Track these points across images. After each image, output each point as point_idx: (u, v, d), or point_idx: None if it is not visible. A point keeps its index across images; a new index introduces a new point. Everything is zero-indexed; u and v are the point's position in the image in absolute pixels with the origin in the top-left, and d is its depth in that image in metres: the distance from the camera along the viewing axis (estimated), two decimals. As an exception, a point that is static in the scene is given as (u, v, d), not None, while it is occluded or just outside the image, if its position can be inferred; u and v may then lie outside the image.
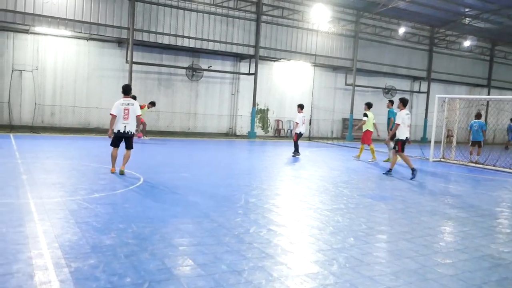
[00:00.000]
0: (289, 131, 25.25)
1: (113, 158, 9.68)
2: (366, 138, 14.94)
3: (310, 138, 24.39)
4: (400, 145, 11.61)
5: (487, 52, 32.44)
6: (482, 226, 6.85)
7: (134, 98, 18.38)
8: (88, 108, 20.45)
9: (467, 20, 26.79)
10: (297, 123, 15.59)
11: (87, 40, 20.43)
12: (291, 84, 25.22)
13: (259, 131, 24.37)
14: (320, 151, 17.54)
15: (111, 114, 9.54)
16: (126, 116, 9.47)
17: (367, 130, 14.87)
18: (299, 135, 15.56)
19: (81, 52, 20.49)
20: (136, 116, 9.65)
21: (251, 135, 22.68)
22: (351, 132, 25.64)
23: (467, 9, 24.76)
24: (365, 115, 14.90)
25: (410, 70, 28.67)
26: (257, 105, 23.84)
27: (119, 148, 9.77)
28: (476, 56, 31.94)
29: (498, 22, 26.60)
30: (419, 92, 29.86)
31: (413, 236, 6.04)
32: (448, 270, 4.80)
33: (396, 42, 27.73)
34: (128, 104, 9.57)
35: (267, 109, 24.81)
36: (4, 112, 19.12)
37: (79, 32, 19.33)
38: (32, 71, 19.48)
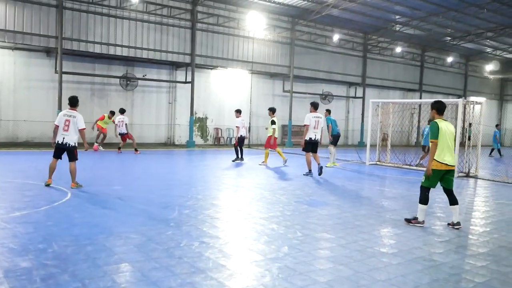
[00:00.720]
0: (228, 139, 25.08)
1: (51, 169, 9.53)
2: (269, 143, 15.22)
3: (249, 145, 24.34)
4: (305, 145, 12.66)
5: (417, 57, 33.91)
6: (415, 228, 6.96)
7: (113, 113, 18.51)
8: (16, 121, 19.31)
9: (397, 27, 27.87)
10: (237, 127, 15.92)
11: (12, 50, 19.31)
12: (229, 92, 25.10)
13: (198, 139, 24.03)
14: (260, 158, 17.45)
15: (55, 124, 9.48)
16: (66, 128, 9.30)
17: (270, 136, 15.15)
18: (240, 139, 15.89)
19: (6, 62, 19.32)
20: (79, 129, 9.43)
21: (189, 144, 22.30)
22: (290, 138, 25.86)
23: (397, 16, 25.75)
24: (273, 122, 15.18)
25: (345, 76, 29.41)
26: (195, 113, 23.51)
27: (62, 161, 9.59)
28: (408, 61, 33.30)
29: (426, 29, 27.89)
30: (355, 97, 30.67)
31: (348, 242, 6.02)
32: (381, 275, 4.78)
33: (332, 49, 28.36)
34: (70, 116, 9.39)
35: (206, 118, 24.53)
36: None
37: (3, 41, 18.22)
38: (-50, 83, 18.13)
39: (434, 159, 6.89)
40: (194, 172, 13.44)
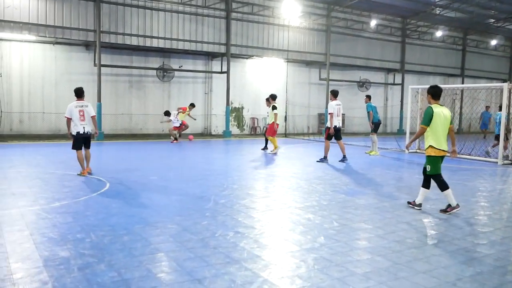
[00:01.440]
0: (265, 128, 24.96)
1: (81, 161, 9.86)
2: (272, 131, 15.00)
3: (286, 134, 24.20)
4: (327, 133, 12.92)
5: (459, 41, 32.69)
6: (458, 218, 6.70)
7: (168, 113, 19.35)
8: (58, 114, 19.85)
9: (437, 10, 26.90)
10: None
11: (53, 44, 19.82)
12: (265, 81, 24.97)
13: (234, 129, 24.07)
14: (296, 147, 17.34)
15: (66, 117, 9.84)
16: (82, 118, 9.74)
17: (273, 122, 14.96)
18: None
19: (47, 57, 19.87)
20: (92, 116, 9.93)
21: (226, 134, 22.37)
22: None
23: (437, -1, 24.90)
24: (275, 107, 15.02)
25: (383, 62, 28.70)
26: (231, 103, 23.54)
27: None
28: (449, 46, 32.16)
29: (468, 11, 26.78)
30: (393, 84, 29.92)
31: (386, 232, 5.85)
32: (421, 267, 4.60)
33: (369, 35, 27.71)
34: (82, 106, 9.83)
35: (242, 107, 24.51)
36: (-32, 122, 18.45)
37: (44, 36, 18.72)
38: (-4, 78, 18.83)
39: (433, 146, 6.81)
40: (230, 162, 13.46)
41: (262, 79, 24.89)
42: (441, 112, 6.81)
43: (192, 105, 20.17)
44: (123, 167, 11.53)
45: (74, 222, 6.04)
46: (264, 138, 16.56)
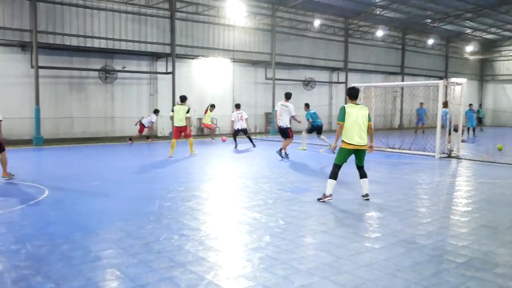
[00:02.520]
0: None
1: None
2: (174, 134, 14.57)
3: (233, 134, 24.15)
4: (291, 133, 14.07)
5: (399, 41, 33.91)
6: (398, 211, 6.93)
7: (157, 112, 19.71)
8: (-7, 118, 18.82)
9: (378, 11, 27.78)
10: (232, 121, 17.23)
11: (-14, 45, 18.79)
12: (211, 82, 24.82)
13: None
14: (243, 146, 17.35)
15: None
16: None
17: (174, 126, 14.48)
18: (237, 131, 17.30)
19: (-20, 59, 18.81)
20: None
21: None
22: (273, 126, 25.70)
23: (377, 0, 25.65)
24: (172, 110, 14.81)
25: (328, 61, 29.29)
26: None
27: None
28: (389, 45, 33.30)
29: (406, 12, 27.84)
30: (337, 82, 30.59)
31: (330, 228, 5.96)
32: (363, 260, 4.72)
33: (313, 35, 28.19)
34: None
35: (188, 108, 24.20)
36: None
37: (-24, 37, 17.73)
38: None
39: (343, 140, 7.47)
40: (176, 164, 13.26)
41: (208, 79, 24.73)
42: (358, 111, 7.43)
43: (213, 106, 20.70)
44: (64, 173, 11.09)
45: (8, 233, 5.73)
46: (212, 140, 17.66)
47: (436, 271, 4.46)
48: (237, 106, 18.06)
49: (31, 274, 4.34)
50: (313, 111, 16.52)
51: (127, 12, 20.91)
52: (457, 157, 14.11)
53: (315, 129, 16.32)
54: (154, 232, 5.75)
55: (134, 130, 20.49)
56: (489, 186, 9.27)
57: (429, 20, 30.69)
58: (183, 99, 14.95)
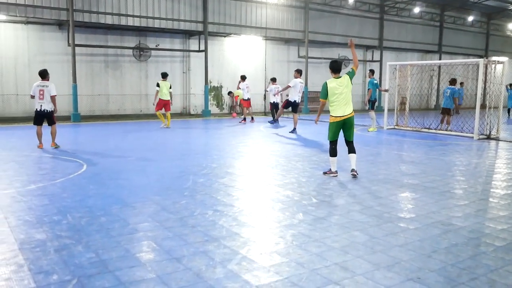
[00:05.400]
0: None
1: (38, 135, 10.98)
2: (157, 105, 16.31)
3: (265, 112, 24.16)
4: (285, 104, 15.06)
5: (436, 18, 32.83)
6: (433, 192, 6.80)
7: (244, 78, 20.04)
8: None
9: (415, -13, 26.94)
10: (266, 91, 19.12)
11: (25, 23, 19.21)
12: (243, 59, 24.76)
13: (213, 109, 23.91)
14: (275, 125, 17.33)
15: (30, 95, 11.02)
16: (41, 97, 10.74)
17: (160, 98, 16.13)
18: (273, 105, 18.20)
19: (19, 37, 19.27)
20: (51, 96, 10.79)
21: (205, 113, 22.20)
22: (306, 105, 25.55)
23: (414, -24, 24.86)
24: (157, 85, 16.23)
25: (362, 39, 28.65)
26: (210, 82, 23.33)
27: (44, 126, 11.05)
28: (426, 22, 32.27)
29: (445, -13, 26.89)
30: (372, 61, 30.00)
31: (364, 207, 5.91)
32: (397, 241, 4.67)
33: (347, 12, 27.62)
34: (43, 86, 10.80)
35: (221, 86, 24.31)
36: None
37: (15, 16, 18.12)
38: (-34, 59, 18.23)
39: (330, 115, 7.68)
40: (209, 141, 13.39)
41: (240, 57, 24.68)
42: (339, 83, 7.56)
43: (243, 78, 20.14)
44: (101, 148, 11.38)
45: (50, 204, 5.95)
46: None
47: (473, 253, 4.37)
48: (274, 80, 18.53)
49: (72, 243, 4.50)
50: (376, 81, 15.77)
51: (160, -10, 20.95)
52: (497, 139, 13.70)
53: (372, 102, 15.73)
54: (189, 207, 5.85)
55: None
56: (529, 168, 8.98)
57: (469, -4, 29.55)
58: (164, 75, 16.48)
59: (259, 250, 4.38)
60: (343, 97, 7.55)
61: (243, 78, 19.84)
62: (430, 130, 15.51)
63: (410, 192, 6.83)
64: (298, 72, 15.04)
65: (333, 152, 7.73)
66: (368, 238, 4.73)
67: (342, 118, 7.57)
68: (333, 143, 7.73)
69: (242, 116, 19.58)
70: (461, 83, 25.42)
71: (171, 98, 16.36)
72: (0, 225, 5.05)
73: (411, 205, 6.11)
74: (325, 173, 7.89)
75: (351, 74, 7.72)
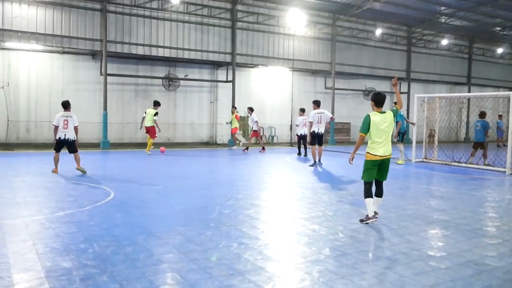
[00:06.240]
0: (270, 137, 24.98)
1: (55, 161, 11.53)
2: (150, 133, 17.20)
3: (291, 143, 24.14)
4: (311, 140, 14.50)
5: (465, 50, 32.58)
6: (465, 229, 6.59)
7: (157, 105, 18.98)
8: (64, 122, 19.91)
9: (443, 19, 26.87)
10: (297, 125, 17.84)
11: (60, 53, 19.95)
12: (270, 90, 24.98)
13: (240, 138, 24.03)
14: (301, 156, 17.27)
15: (53, 125, 11.52)
16: (65, 126, 11.31)
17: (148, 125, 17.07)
18: (300, 137, 17.69)
19: (55, 66, 19.99)
20: (74, 126, 11.41)
21: (231, 143, 22.34)
22: (333, 136, 25.45)
23: (442, 8, 24.80)
24: (156, 114, 17.16)
25: (389, 71, 28.58)
26: (237, 112, 23.52)
27: (64, 153, 11.58)
28: (455, 54, 32.06)
29: (474, 19, 26.70)
30: (399, 92, 29.78)
31: (392, 244, 5.76)
32: (428, 280, 4.51)
33: (374, 44, 27.69)
34: (67, 117, 11.40)
35: (247, 116, 24.48)
36: (-25, 131, 18.52)
37: (52, 46, 18.87)
38: (3, 87, 18.93)
39: (367, 152, 6.85)
40: (234, 171, 13.41)
41: (267, 88, 24.91)
42: (382, 119, 6.80)
43: (251, 109, 20.38)
44: (128, 176, 11.53)
45: (77, 232, 6.01)
46: (273, 148, 18.31)
47: (509, 295, 4.19)
48: (303, 110, 17.74)
49: (97, 273, 4.51)
50: (402, 113, 15.43)
51: (190, 22, 21.50)
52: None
53: (402, 134, 15.37)
54: (214, 239, 5.81)
55: (193, 136, 20.91)
56: None
57: (498, 28, 29.27)
58: (156, 103, 17.49)
59: (285, 286, 4.30)
60: (386, 135, 6.79)
61: (251, 109, 19.98)
62: (460, 164, 15.18)
63: (440, 228, 6.63)
64: (315, 103, 14.70)
65: (368, 193, 6.85)
66: (397, 276, 4.59)
67: (382, 158, 6.79)
68: (369, 184, 6.88)
69: (245, 147, 20.17)
70: (500, 116, 24.80)
71: (156, 124, 17.00)
72: (28, 252, 5.11)
73: (442, 242, 5.93)
74: (362, 220, 6.82)
75: (395, 112, 7.11)
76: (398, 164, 15.19)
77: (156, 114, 16.99)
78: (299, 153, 17.70)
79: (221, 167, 14.57)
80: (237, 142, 21.73)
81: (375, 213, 6.85)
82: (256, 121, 19.48)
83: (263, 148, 19.63)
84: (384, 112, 6.89)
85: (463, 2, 23.34)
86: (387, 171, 6.98)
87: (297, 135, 18.29)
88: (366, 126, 6.79)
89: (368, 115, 6.87)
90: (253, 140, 20.15)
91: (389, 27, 27.83)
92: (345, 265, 4.89)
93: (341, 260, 5.05)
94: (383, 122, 6.79)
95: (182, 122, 22.76)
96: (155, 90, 22.02)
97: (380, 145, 6.76)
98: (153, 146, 17.55)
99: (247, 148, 19.75)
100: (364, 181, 6.91)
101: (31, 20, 18.11)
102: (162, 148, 17.84)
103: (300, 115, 17.80)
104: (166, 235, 5.90)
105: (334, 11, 24.87)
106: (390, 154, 6.89)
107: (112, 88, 20.29)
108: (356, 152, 6.96)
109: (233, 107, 21.10)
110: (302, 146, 17.87)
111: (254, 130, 19.68)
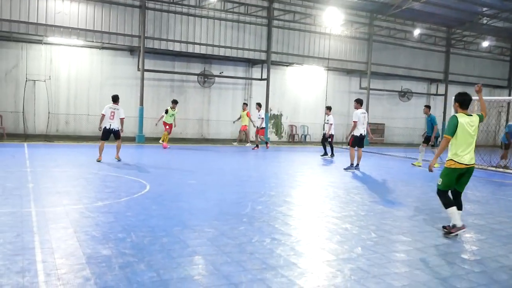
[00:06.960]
0: (303, 136, 24.97)
1: (100, 149, 12.49)
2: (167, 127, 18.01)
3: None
4: (351, 140, 13.41)
5: (506, 52, 31.66)
6: (501, 235, 6.48)
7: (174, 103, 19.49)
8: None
9: (484, 20, 26.17)
10: (330, 125, 17.18)
11: (100, 49, 20.51)
12: (304, 89, 24.96)
13: (272, 136, 24.13)
14: (334, 156, 17.21)
15: (101, 114, 12.76)
16: (112, 117, 12.55)
17: (164, 122, 17.91)
18: (327, 136, 17.29)
19: (94, 61, 20.59)
20: (120, 118, 12.71)
21: (263, 141, 22.42)
22: (366, 136, 25.15)
23: (484, 9, 24.17)
24: (166, 111, 17.83)
25: (426, 72, 28.09)
26: (271, 110, 23.63)
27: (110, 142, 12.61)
28: (495, 56, 31.18)
29: (517, 21, 25.96)
30: (436, 94, 29.26)
31: (425, 246, 5.73)
32: (461, 283, 4.49)
33: (412, 44, 27.24)
34: (114, 109, 12.68)
35: (281, 114, 24.57)
36: (19, 122, 19.27)
37: (92, 41, 19.42)
38: (45, 81, 19.61)
39: (450, 159, 6.18)
40: (267, 168, 13.50)
41: (302, 86, 24.90)
42: (469, 122, 6.15)
43: (259, 105, 20.17)
44: (163, 170, 11.80)
45: (115, 222, 6.22)
46: (322, 146, 17.81)
47: (545, 302, 4.13)
48: (329, 109, 17.64)
49: (135, 261, 4.67)
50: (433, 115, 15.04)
51: (226, 20, 21.71)
52: None
53: (428, 138, 14.93)
54: (247, 233, 5.92)
55: (227, 133, 21.11)
56: None
57: (543, 31, 28.30)
58: (174, 101, 18.19)
59: (317, 282, 4.36)
60: (473, 140, 6.17)
61: (260, 105, 19.74)
62: (498, 168, 14.81)
63: (475, 233, 6.54)
64: (359, 103, 13.57)
65: (449, 201, 6.21)
66: (430, 278, 4.58)
67: (467, 166, 6.14)
68: (446, 192, 6.27)
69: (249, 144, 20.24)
70: None
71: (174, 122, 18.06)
72: (70, 239, 5.34)
73: (476, 246, 5.86)
74: (450, 233, 6.20)
75: (482, 118, 6.39)
76: (413, 165, 15.02)
77: (166, 111, 17.93)
78: (325, 153, 17.17)
79: (253, 164, 14.70)
80: (247, 140, 21.44)
81: (454, 225, 6.22)
82: (262, 118, 19.41)
83: (257, 146, 19.50)
84: (471, 115, 6.24)
85: (506, 3, 22.68)
86: (468, 182, 6.39)
87: (324, 134, 17.72)
88: (453, 128, 6.11)
89: (455, 116, 6.21)
90: (259, 138, 19.90)
91: (428, 28, 27.32)
92: (377, 264, 4.91)
93: (373, 259, 5.07)
94: (470, 125, 6.15)
95: (216, 119, 23.02)
96: (190, 86, 22.35)
97: (465, 151, 6.13)
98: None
99: (257, 146, 19.64)
100: (439, 190, 6.32)
101: (73, 16, 18.69)
102: (165, 144, 18.04)
103: (327, 114, 17.46)
104: (200, 228, 6.04)
105: (372, 11, 24.62)
106: (474, 163, 6.28)
107: (148, 84, 20.72)
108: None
109: (244, 103, 21.03)
110: (327, 145, 17.30)
111: (261, 128, 19.61)
